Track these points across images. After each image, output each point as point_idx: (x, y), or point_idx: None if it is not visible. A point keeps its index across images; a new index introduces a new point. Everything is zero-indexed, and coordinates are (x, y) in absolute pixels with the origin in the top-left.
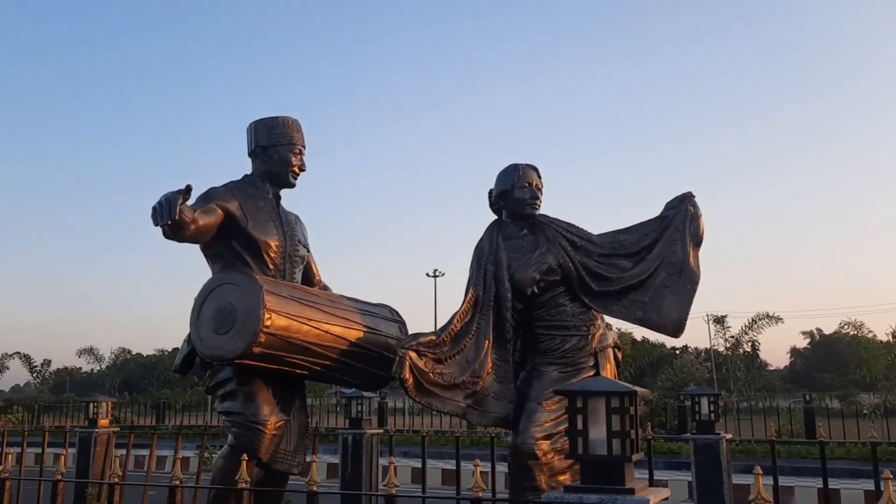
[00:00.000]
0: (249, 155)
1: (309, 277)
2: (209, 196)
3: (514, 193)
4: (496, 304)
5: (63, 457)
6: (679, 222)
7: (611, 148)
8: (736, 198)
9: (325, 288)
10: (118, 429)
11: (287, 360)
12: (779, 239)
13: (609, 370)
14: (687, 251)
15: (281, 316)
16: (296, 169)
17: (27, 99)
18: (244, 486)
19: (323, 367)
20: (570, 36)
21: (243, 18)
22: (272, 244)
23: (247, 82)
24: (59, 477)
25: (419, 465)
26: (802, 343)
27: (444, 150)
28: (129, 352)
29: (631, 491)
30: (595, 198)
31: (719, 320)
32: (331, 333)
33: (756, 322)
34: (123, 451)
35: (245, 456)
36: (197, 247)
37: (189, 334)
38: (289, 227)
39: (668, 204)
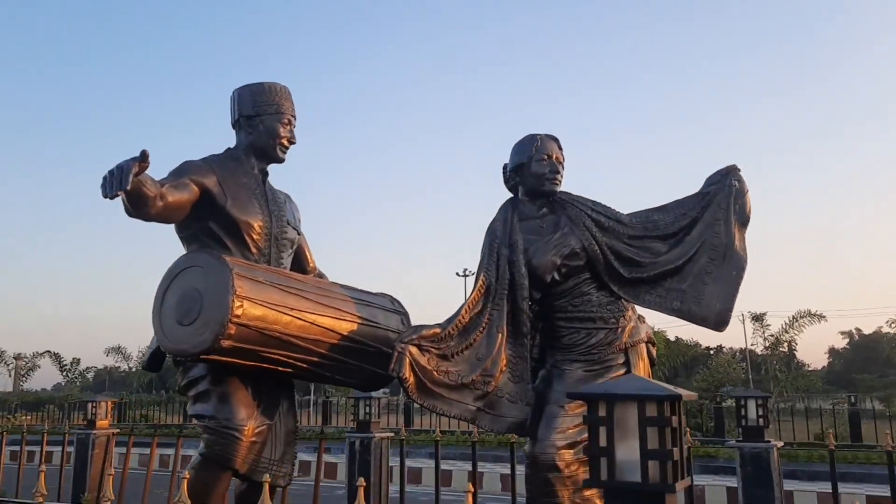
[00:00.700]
0: (233, 126)
1: (301, 264)
2: (183, 170)
3: (531, 167)
4: (511, 292)
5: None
6: (722, 199)
7: (642, 125)
8: (774, 185)
9: (321, 276)
10: (118, 430)
11: (265, 356)
12: (816, 234)
13: (642, 369)
14: (731, 232)
15: (255, 304)
16: (284, 141)
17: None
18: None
19: (310, 364)
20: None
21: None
22: (255, 224)
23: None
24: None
25: (445, 467)
26: (841, 343)
27: (476, 145)
28: None
29: None
30: (627, 177)
31: (758, 318)
32: (318, 325)
33: (797, 320)
34: (148, 451)
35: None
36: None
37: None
38: (276, 205)
39: (708, 179)
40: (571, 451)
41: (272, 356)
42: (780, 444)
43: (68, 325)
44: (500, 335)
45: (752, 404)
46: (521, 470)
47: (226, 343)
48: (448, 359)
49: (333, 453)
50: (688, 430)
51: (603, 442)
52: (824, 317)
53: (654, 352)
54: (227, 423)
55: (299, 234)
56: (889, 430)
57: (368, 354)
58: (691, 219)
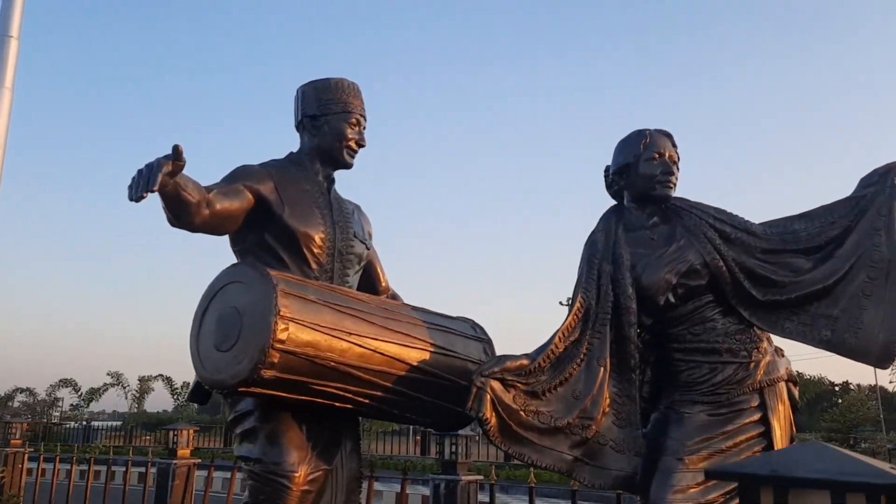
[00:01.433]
0: (296, 128)
1: (372, 283)
2: (236, 175)
3: (640, 168)
4: (615, 317)
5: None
6: (883, 204)
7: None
8: None
9: (394, 297)
10: (199, 460)
11: (318, 390)
12: None
13: (782, 413)
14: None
15: (304, 327)
16: (352, 143)
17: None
18: None
19: (373, 399)
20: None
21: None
22: (316, 237)
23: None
24: None
25: None
26: None
27: (581, 171)
28: None
29: None
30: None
31: None
32: (382, 353)
33: None
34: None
35: None
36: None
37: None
38: (341, 216)
39: (863, 180)
40: None
41: (326, 389)
42: None
43: (179, 349)
44: (601, 369)
45: None
46: None
47: (268, 373)
48: (538, 396)
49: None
50: None
51: None
52: None
53: (796, 392)
54: (276, 469)
55: (368, 248)
56: None
57: (444, 389)
58: (843, 228)
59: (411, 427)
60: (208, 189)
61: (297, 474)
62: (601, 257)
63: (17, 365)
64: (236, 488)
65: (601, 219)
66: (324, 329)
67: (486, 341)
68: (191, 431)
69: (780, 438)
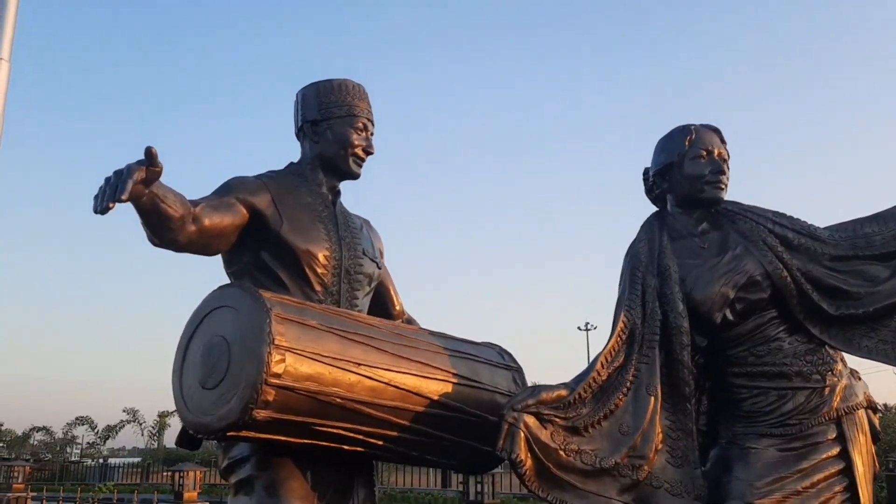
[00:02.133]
0: (297, 135)
1: (385, 307)
2: (228, 187)
3: (685, 167)
4: (665, 338)
5: None
6: None
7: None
8: None
9: (410, 322)
10: (207, 502)
11: (322, 432)
12: None
13: (864, 446)
14: None
15: (304, 358)
16: (359, 150)
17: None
18: None
19: (387, 440)
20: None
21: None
22: (319, 255)
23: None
24: None
25: None
26: None
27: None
28: None
29: None
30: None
31: None
32: (396, 386)
33: None
34: None
35: None
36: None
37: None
38: (348, 231)
39: None
40: None
41: (332, 431)
42: None
43: None
44: (651, 398)
45: None
46: None
47: (261, 414)
48: (580, 433)
49: None
50: None
51: None
52: None
53: (876, 421)
54: None
55: (380, 268)
56: None
57: (469, 426)
58: None
59: None
60: (195, 203)
61: None
62: (645, 270)
63: (33, 403)
64: None
65: (643, 226)
66: (328, 359)
67: (515, 369)
68: (198, 473)
69: (862, 475)
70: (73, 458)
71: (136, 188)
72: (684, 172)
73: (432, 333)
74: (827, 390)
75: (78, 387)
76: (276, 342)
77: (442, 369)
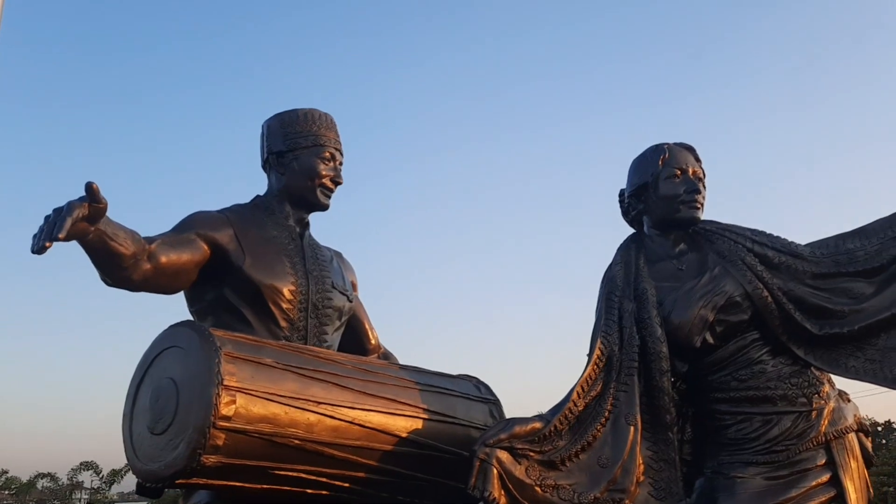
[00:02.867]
0: (263, 167)
1: (360, 341)
2: (188, 223)
3: (659, 188)
4: (643, 365)
5: None
6: None
7: None
8: None
9: (387, 357)
10: None
11: (281, 476)
12: None
13: (855, 471)
14: None
15: (257, 398)
16: (326, 181)
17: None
18: None
19: (354, 482)
20: None
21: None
22: (284, 290)
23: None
24: None
25: None
26: None
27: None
28: None
29: None
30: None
31: None
32: (361, 425)
33: None
34: None
35: None
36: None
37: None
38: (316, 265)
39: None
40: None
41: (292, 475)
42: None
43: None
44: (631, 428)
45: None
46: None
47: (210, 460)
48: (557, 467)
49: None
50: None
51: None
52: None
53: (868, 445)
54: None
55: (351, 301)
56: None
57: (444, 462)
58: None
59: None
60: (151, 239)
61: None
62: (622, 294)
63: (37, 450)
64: None
65: (619, 250)
66: (284, 399)
67: (492, 402)
68: None
69: (855, 502)
70: None
71: (78, 226)
72: (659, 193)
73: (403, 368)
74: (814, 414)
75: (82, 432)
76: (226, 383)
77: (411, 405)
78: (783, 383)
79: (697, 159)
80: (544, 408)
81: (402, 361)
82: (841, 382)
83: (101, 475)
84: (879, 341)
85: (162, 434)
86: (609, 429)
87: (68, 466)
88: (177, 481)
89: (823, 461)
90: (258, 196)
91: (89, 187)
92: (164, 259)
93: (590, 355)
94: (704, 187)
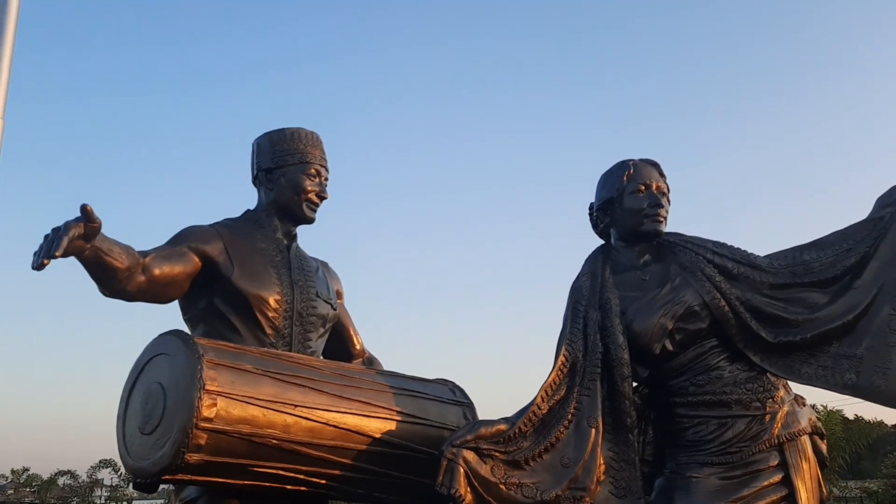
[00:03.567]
0: (253, 183)
1: (345, 347)
2: (181, 236)
3: (625, 202)
4: (606, 371)
5: None
6: None
7: None
8: None
9: (371, 361)
10: None
11: (261, 472)
12: None
13: (807, 472)
14: None
15: (236, 401)
16: (312, 196)
17: None
18: None
19: (331, 479)
20: None
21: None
22: (270, 299)
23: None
24: None
25: None
26: None
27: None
28: None
29: None
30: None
31: None
32: (336, 426)
33: None
34: None
35: None
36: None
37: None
38: (301, 275)
39: (880, 199)
40: None
41: (271, 471)
42: None
43: None
44: (593, 430)
45: None
46: None
47: (193, 457)
48: (521, 466)
49: None
50: None
51: None
52: None
53: (823, 447)
54: None
55: (335, 309)
56: None
57: (418, 462)
58: (861, 255)
59: None
60: (145, 253)
61: None
62: (587, 304)
63: (57, 447)
64: None
65: (586, 261)
66: (262, 402)
67: (466, 405)
68: None
69: (806, 502)
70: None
71: (74, 244)
72: (624, 207)
73: (380, 373)
74: (767, 417)
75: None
76: (207, 387)
77: (386, 407)
78: (739, 388)
79: (662, 175)
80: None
81: (385, 364)
82: (801, 389)
83: (119, 473)
84: (832, 349)
85: (150, 434)
86: (572, 431)
87: (88, 464)
88: (163, 477)
89: (776, 462)
90: (249, 210)
91: (83, 209)
92: (157, 272)
93: (555, 361)
94: (668, 202)
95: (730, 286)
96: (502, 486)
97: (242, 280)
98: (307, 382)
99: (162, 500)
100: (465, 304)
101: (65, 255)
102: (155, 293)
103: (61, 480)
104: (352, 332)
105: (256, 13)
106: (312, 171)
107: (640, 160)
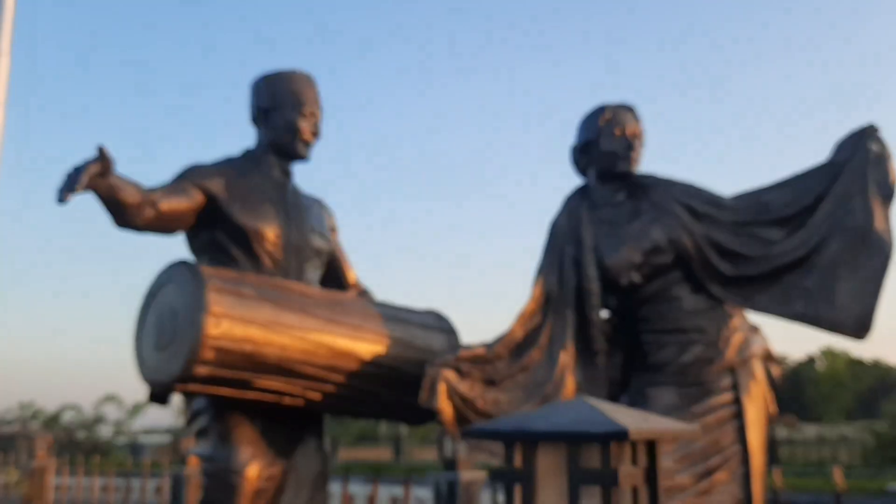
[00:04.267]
0: (252, 122)
1: (339, 279)
2: (185, 174)
3: (601, 144)
4: (578, 300)
5: None
6: (857, 169)
7: None
8: None
9: (364, 293)
10: None
11: (262, 386)
12: None
13: (757, 393)
14: (871, 210)
15: (239, 322)
16: (306, 135)
17: None
18: None
19: (326, 395)
20: None
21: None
22: (268, 233)
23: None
24: None
25: None
26: None
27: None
28: None
29: None
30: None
31: None
32: (329, 347)
33: None
34: None
35: None
36: None
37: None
38: (297, 210)
39: (837, 144)
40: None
41: (270, 385)
42: None
43: None
44: (564, 354)
45: None
46: None
47: (202, 370)
48: (496, 385)
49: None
50: None
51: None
52: None
53: (775, 371)
54: (226, 466)
55: (328, 242)
56: None
57: (405, 382)
58: (815, 196)
59: None
60: (153, 189)
61: (247, 470)
62: (563, 240)
63: (63, 381)
64: None
65: (565, 200)
66: (261, 324)
67: (449, 331)
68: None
69: (753, 419)
70: (105, 437)
71: (91, 181)
72: (600, 148)
73: (371, 301)
74: (722, 343)
75: (106, 363)
76: (212, 310)
77: (375, 332)
78: (698, 317)
79: (637, 119)
80: None
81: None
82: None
83: (123, 408)
84: (784, 280)
85: (164, 350)
86: (545, 355)
87: (92, 398)
88: (176, 385)
89: (729, 383)
90: (248, 149)
91: (100, 151)
92: (164, 207)
93: (532, 291)
94: (642, 144)
95: (695, 224)
96: (479, 402)
97: (242, 215)
98: (301, 307)
99: (167, 437)
100: (455, 242)
101: (83, 189)
102: (162, 226)
103: (67, 414)
104: (345, 265)
105: None
106: (307, 112)
107: (618, 104)
